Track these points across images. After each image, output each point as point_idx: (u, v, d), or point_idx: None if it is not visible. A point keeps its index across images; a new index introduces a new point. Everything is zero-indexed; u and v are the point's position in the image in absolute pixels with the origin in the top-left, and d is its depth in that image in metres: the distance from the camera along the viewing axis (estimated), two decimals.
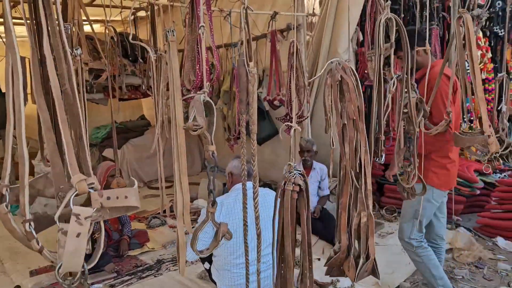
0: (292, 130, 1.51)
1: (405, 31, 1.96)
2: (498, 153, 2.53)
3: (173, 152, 2.29)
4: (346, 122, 1.71)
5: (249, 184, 2.70)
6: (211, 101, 1.23)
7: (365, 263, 1.81)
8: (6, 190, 1.09)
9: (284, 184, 1.46)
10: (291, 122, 3.61)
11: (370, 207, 1.72)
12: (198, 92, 1.21)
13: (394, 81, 2.01)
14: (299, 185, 1.40)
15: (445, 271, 3.50)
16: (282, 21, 4.27)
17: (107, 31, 3.21)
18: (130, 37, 2.79)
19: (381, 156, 2.14)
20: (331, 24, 4.36)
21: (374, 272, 1.83)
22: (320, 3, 4.76)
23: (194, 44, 2.55)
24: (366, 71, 4.09)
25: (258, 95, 4.63)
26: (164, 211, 2.93)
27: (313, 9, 4.62)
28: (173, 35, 2.11)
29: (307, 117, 3.85)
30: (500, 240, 3.96)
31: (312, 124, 4.61)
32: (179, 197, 2.10)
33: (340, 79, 1.64)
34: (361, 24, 4.44)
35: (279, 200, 1.48)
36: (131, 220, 4.42)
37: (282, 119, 3.91)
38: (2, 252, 4.07)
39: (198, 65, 2.55)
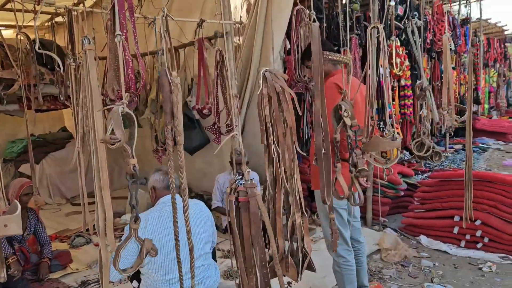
0: (225, 139, 1.54)
1: (319, 39, 2.05)
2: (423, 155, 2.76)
3: (93, 166, 2.21)
4: (284, 131, 1.78)
5: (167, 197, 2.68)
6: (131, 112, 1.21)
7: (305, 260, 1.90)
8: None
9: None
10: (219, 131, 3.64)
11: (303, 207, 1.81)
12: (117, 103, 1.19)
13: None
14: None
15: (374, 272, 3.71)
16: (210, 29, 4.29)
17: (20, 38, 3.02)
18: (37, 46, 2.64)
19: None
20: (261, 32, 4.45)
21: (310, 267, 1.92)
22: (248, 11, 4.85)
23: (117, 52, 2.50)
24: (294, 80, 4.22)
25: (187, 103, 4.60)
26: (88, 229, 2.81)
27: (240, 17, 4.70)
28: (90, 43, 2.04)
29: (237, 125, 3.88)
30: (423, 238, 4.26)
31: (244, 134, 4.67)
32: (101, 214, 2.02)
33: (281, 89, 1.70)
34: (288, 32, 4.59)
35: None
36: (52, 240, 4.16)
37: (209, 129, 3.91)
38: None
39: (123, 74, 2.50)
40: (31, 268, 3.65)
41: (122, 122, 1.16)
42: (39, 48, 2.61)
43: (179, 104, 1.38)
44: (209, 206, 3.37)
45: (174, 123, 1.37)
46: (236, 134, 1.78)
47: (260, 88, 1.69)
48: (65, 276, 3.74)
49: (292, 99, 1.81)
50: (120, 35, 1.32)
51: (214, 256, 2.91)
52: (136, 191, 1.28)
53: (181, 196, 1.57)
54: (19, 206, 1.02)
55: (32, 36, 3.10)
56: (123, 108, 1.18)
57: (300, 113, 4.66)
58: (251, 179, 1.80)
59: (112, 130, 1.13)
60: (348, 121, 2.00)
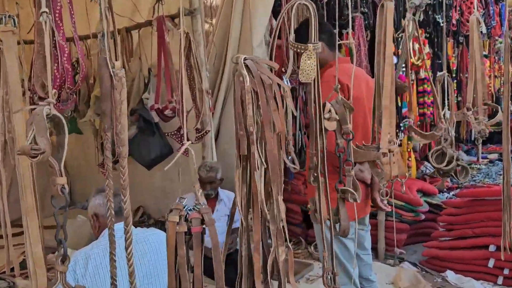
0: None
1: (315, 19, 2.03)
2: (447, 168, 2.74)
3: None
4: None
5: (119, 226, 2.64)
6: (59, 115, 1.17)
7: None
8: None
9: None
10: (187, 138, 3.61)
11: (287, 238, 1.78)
12: (41, 102, 1.15)
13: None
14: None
15: None
16: (173, 5, 4.26)
17: None
18: None
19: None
20: (239, 8, 4.45)
21: None
22: None
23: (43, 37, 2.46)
24: (283, 69, 4.20)
25: (143, 101, 4.54)
26: (12, 269, 2.75)
27: None
28: (14, 25, 2.02)
29: (209, 131, 3.85)
30: (450, 275, 4.27)
31: (218, 140, 4.64)
32: (29, 249, 1.98)
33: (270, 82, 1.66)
34: (276, 10, 4.59)
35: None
36: None
37: (173, 135, 3.85)
38: None
39: (56, 64, 2.46)
40: None
41: (47, 127, 1.12)
42: None
43: (123, 105, 1.35)
44: None
45: (116, 129, 1.34)
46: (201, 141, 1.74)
47: (242, 80, 1.64)
48: None
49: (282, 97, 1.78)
50: (46, 12, 1.29)
51: None
52: (65, 221, 1.24)
53: (126, 226, 1.53)
54: None
55: None
56: (49, 109, 1.14)
57: (295, 113, 4.65)
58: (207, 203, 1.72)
59: (34, 138, 1.09)
60: (330, 126, 1.99)
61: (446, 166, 2.79)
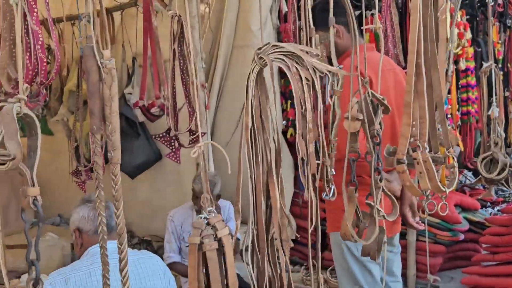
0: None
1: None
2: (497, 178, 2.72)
3: None
4: None
5: (113, 244, 2.66)
6: (32, 114, 1.20)
7: None
8: None
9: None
10: (178, 141, 3.65)
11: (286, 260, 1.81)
12: (9, 99, 1.18)
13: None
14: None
15: None
16: None
17: None
18: None
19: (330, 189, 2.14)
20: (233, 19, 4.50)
21: None
22: None
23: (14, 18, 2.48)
24: None
25: (125, 97, 4.56)
26: None
27: None
28: None
29: (205, 133, 3.87)
30: None
31: (214, 142, 4.66)
32: None
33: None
34: None
35: None
36: None
37: (161, 137, 3.83)
38: None
39: (29, 54, 2.48)
40: None
41: (18, 129, 1.15)
42: None
43: (115, 102, 1.37)
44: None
45: (106, 131, 1.37)
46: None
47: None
48: None
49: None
50: None
51: None
52: (38, 239, 1.27)
53: (120, 244, 1.57)
54: None
55: None
56: (20, 107, 1.16)
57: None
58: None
59: (3, 141, 1.12)
60: (351, 127, 2.00)
61: (498, 175, 2.76)
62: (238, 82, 4.51)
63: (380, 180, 2.08)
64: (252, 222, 1.83)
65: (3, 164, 1.12)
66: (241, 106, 4.45)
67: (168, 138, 3.83)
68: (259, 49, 1.64)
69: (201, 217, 1.65)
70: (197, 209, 4.29)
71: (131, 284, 2.53)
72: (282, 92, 4.86)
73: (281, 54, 1.63)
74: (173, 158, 3.95)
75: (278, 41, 4.68)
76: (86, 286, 2.49)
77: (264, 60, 1.59)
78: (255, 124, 1.70)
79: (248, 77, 1.63)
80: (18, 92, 2.16)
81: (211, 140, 4.55)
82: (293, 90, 1.64)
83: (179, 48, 3.32)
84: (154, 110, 3.88)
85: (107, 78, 1.39)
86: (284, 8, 4.67)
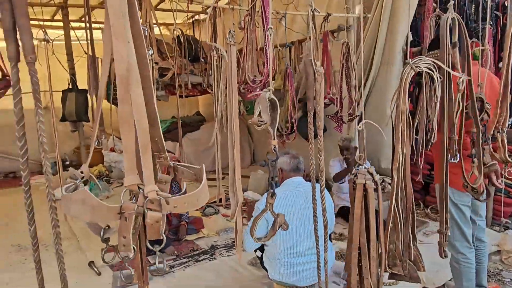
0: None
1: (465, 30, 1.83)
2: None
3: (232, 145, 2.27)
4: None
5: (299, 179, 2.67)
6: (275, 98, 1.21)
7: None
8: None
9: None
10: (342, 120, 3.53)
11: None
12: (264, 89, 1.20)
13: (462, 80, 1.88)
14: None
15: (492, 273, 3.30)
16: (333, 22, 4.18)
17: (175, 33, 3.27)
18: (200, 38, 2.83)
19: (456, 155, 2.01)
20: (385, 23, 4.21)
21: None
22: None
23: (252, 44, 2.55)
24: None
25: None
26: (220, 200, 2.96)
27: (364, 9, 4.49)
28: (232, 38, 2.10)
29: (358, 116, 3.74)
30: None
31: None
32: (236, 197, 2.09)
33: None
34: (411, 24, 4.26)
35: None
36: None
37: (331, 117, 3.81)
38: (79, 231, 4.31)
39: (264, 64, 2.54)
40: (172, 229, 4.02)
41: (268, 106, 1.17)
42: (194, 41, 2.78)
43: (322, 92, 1.35)
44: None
45: (317, 110, 1.35)
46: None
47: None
48: (198, 239, 4.05)
49: None
50: (271, 28, 1.33)
51: (330, 238, 2.88)
52: (275, 169, 1.30)
53: (318, 181, 1.56)
54: (205, 178, 1.09)
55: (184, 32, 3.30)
56: (270, 94, 1.19)
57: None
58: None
59: (259, 113, 1.15)
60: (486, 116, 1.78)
61: None
62: (382, 87, 4.32)
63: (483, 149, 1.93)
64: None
65: (260, 126, 1.15)
66: (384, 102, 4.25)
67: (336, 118, 3.77)
68: (411, 61, 1.51)
69: (364, 167, 1.56)
70: (345, 159, 4.19)
71: (302, 203, 2.52)
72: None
73: (428, 64, 1.48)
74: (338, 130, 3.89)
75: (404, 60, 4.38)
76: (283, 202, 2.52)
77: (418, 66, 1.46)
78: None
79: (404, 78, 1.51)
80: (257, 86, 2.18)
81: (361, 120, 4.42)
82: (436, 88, 1.49)
83: (346, 63, 3.22)
84: (326, 101, 3.82)
85: (318, 78, 1.36)
86: (410, 37, 4.34)
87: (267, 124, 1.15)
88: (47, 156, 1.47)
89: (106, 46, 1.12)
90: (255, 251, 2.90)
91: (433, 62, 1.46)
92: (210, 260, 3.59)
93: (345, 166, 4.23)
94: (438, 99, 1.48)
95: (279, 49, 4.90)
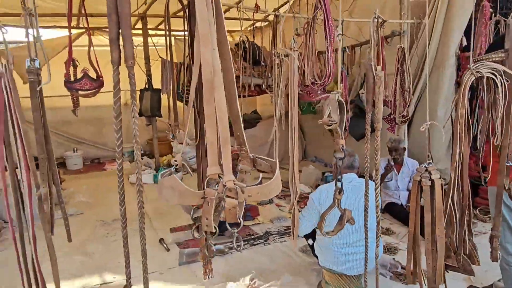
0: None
1: None
2: None
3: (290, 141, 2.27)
4: None
5: (353, 175, 2.62)
6: (343, 100, 1.20)
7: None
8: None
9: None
10: (395, 121, 3.38)
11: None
12: (333, 92, 1.20)
13: None
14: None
15: None
16: (387, 28, 4.03)
17: (240, 39, 3.32)
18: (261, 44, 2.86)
19: None
20: (439, 29, 3.99)
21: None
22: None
23: (312, 49, 2.54)
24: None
25: (359, 95, 4.44)
26: None
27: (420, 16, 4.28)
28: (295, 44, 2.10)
29: (410, 118, 3.60)
30: None
31: (412, 126, 4.31)
32: (295, 190, 2.09)
33: None
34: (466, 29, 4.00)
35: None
36: None
37: (384, 119, 3.69)
38: (151, 212, 4.55)
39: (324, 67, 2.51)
40: None
41: (337, 107, 1.16)
42: (255, 46, 2.80)
43: (381, 95, 1.32)
44: None
45: (375, 111, 1.32)
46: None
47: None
48: (254, 225, 4.11)
49: None
50: (340, 34, 1.32)
51: None
52: (341, 166, 1.29)
53: (371, 179, 1.53)
54: (278, 171, 1.12)
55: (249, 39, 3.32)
56: (338, 96, 1.18)
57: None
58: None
59: (329, 113, 1.14)
60: None
61: None
62: (433, 90, 4.10)
63: None
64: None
65: (330, 125, 1.15)
66: (435, 104, 4.05)
67: (389, 119, 3.64)
68: (473, 66, 1.42)
69: (425, 166, 1.51)
70: (393, 158, 4.06)
71: (355, 197, 2.48)
72: None
73: (490, 68, 1.39)
74: (391, 131, 3.76)
75: (458, 64, 4.12)
76: (331, 194, 2.51)
77: (479, 72, 1.38)
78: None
79: (464, 83, 1.43)
80: (319, 87, 2.15)
81: (412, 124, 4.23)
82: (500, 93, 1.40)
83: (401, 67, 3.10)
84: None
85: (378, 82, 1.33)
86: (464, 42, 4.08)
87: (336, 124, 1.15)
88: (138, 146, 1.56)
89: (196, 53, 1.17)
90: (307, 239, 2.90)
91: (497, 67, 1.37)
92: (264, 245, 3.63)
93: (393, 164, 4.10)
94: (503, 102, 1.38)
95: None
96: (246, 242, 3.68)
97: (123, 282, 2.94)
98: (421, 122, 4.31)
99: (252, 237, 3.80)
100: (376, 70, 1.28)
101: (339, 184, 1.31)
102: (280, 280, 2.91)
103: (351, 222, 1.49)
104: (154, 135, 6.13)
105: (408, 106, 3.68)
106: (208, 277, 2.54)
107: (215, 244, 3.62)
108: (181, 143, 6.67)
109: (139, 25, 5.82)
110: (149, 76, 5.59)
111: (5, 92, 1.15)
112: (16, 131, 1.21)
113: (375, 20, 1.28)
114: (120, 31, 1.08)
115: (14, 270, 3.45)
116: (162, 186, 1.12)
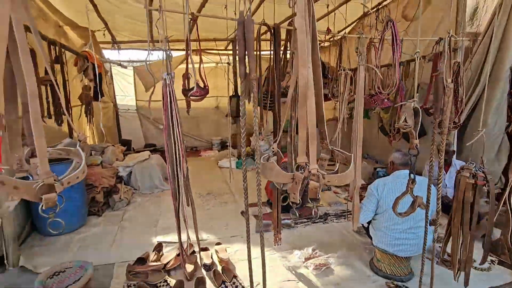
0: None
1: None
2: None
3: (352, 141, 2.20)
4: None
5: (407, 171, 2.44)
6: (418, 107, 1.13)
7: None
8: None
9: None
10: (446, 128, 3.08)
11: None
12: (409, 100, 1.13)
13: None
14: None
15: None
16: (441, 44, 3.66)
17: None
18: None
19: None
20: (497, 43, 3.52)
21: None
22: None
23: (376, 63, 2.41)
24: None
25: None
26: None
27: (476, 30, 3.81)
28: (362, 59, 2.01)
29: (461, 124, 3.24)
30: None
31: (466, 133, 3.89)
32: (355, 182, 2.02)
33: None
34: None
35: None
36: None
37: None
38: (235, 189, 4.73)
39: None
40: None
41: (413, 113, 1.10)
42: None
43: (449, 104, 1.21)
44: None
45: (442, 118, 1.22)
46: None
47: None
48: (315, 207, 4.05)
49: None
50: (418, 51, 1.24)
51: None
52: (415, 161, 1.21)
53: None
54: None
55: None
56: (414, 104, 1.11)
57: None
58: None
59: (405, 119, 1.09)
60: None
61: None
62: (486, 99, 3.65)
63: None
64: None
65: (405, 129, 1.09)
66: (487, 113, 3.60)
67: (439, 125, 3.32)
68: None
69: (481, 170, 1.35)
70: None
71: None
72: None
73: None
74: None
75: (511, 78, 3.59)
76: (392, 188, 2.37)
77: None
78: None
79: None
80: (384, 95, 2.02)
81: (465, 131, 3.81)
82: None
83: (456, 79, 2.80)
84: (431, 110, 3.38)
85: (448, 92, 1.22)
86: None
87: (411, 128, 1.09)
88: (242, 141, 1.62)
89: (295, 69, 1.20)
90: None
91: None
92: (323, 224, 3.57)
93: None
94: None
95: (387, 68, 4.50)
96: (308, 220, 3.65)
97: (215, 240, 3.10)
98: (474, 128, 3.90)
99: (313, 216, 3.75)
100: (447, 82, 1.18)
101: (412, 175, 1.23)
102: (337, 253, 2.85)
103: (422, 207, 1.40)
104: (240, 132, 6.32)
105: (460, 114, 3.32)
106: (277, 244, 2.57)
107: (283, 219, 3.66)
108: (263, 139, 6.81)
109: (230, 46, 6.03)
110: (235, 85, 5.78)
111: (169, 96, 1.29)
112: (175, 125, 1.36)
113: (448, 38, 1.17)
114: (246, 52, 1.14)
115: (139, 225, 3.77)
116: (264, 168, 1.18)
